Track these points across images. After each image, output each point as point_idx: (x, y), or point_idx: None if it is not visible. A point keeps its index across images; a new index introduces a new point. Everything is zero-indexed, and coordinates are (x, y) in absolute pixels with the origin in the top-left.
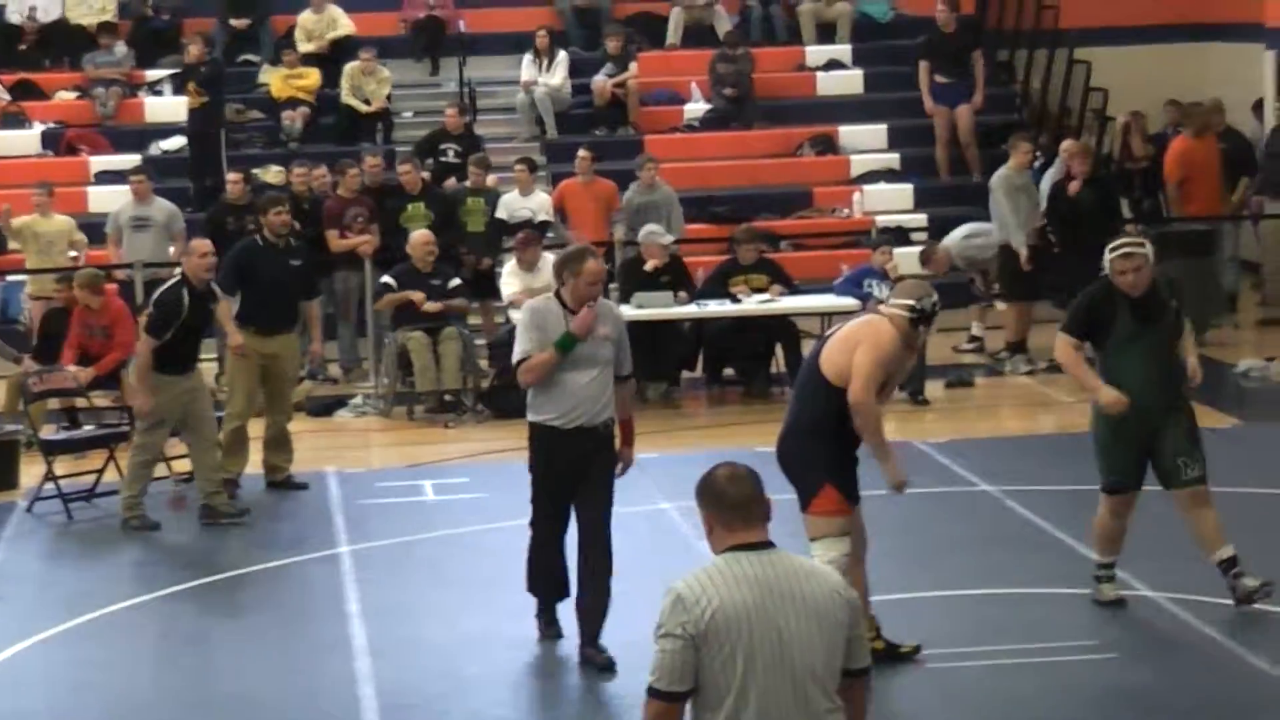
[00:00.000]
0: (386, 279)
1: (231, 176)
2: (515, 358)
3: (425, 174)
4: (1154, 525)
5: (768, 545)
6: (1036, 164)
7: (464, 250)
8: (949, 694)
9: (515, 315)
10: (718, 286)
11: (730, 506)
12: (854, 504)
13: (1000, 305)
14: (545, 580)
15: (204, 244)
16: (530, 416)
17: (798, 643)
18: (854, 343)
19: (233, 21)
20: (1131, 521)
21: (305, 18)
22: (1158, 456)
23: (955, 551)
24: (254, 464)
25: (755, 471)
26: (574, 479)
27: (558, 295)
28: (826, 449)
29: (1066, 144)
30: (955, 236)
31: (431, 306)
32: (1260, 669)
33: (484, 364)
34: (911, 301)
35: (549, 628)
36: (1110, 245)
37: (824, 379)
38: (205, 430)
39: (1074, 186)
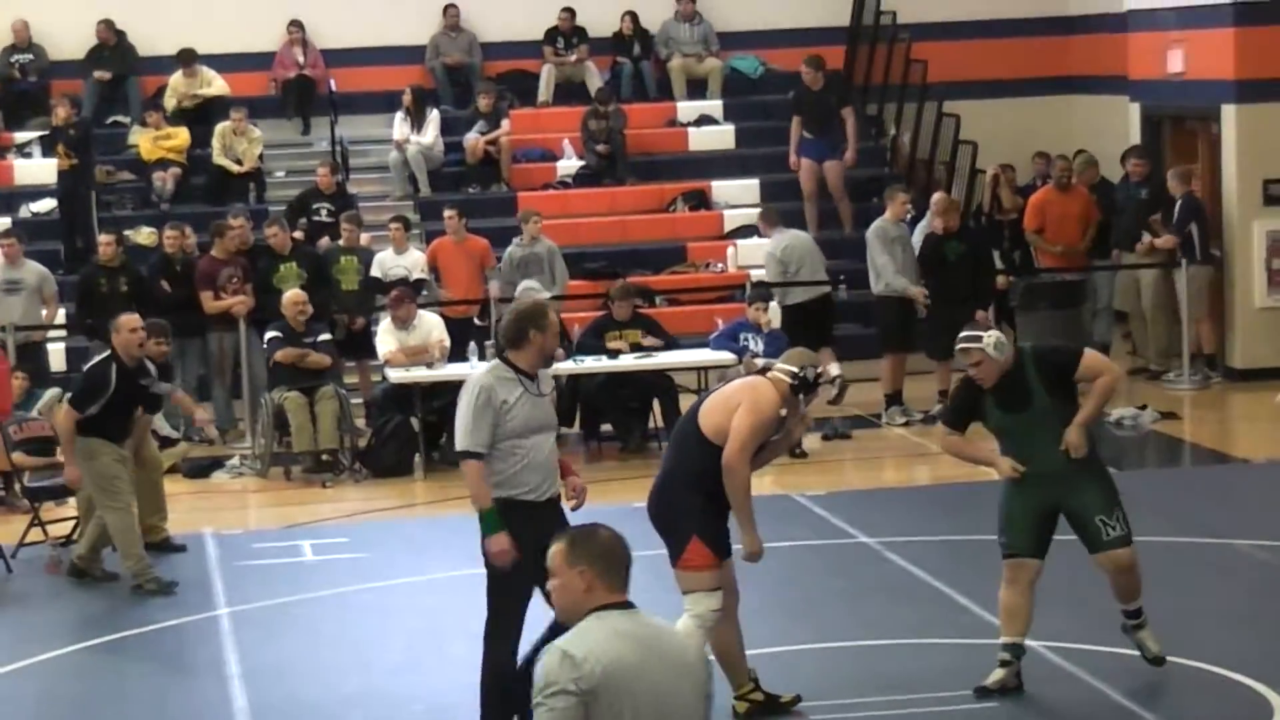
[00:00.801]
0: (274, 333)
1: (103, 238)
2: (463, 445)
3: (298, 234)
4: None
5: (631, 605)
6: (909, 216)
7: (335, 310)
8: None
9: (391, 374)
10: (594, 342)
11: (618, 566)
12: (724, 558)
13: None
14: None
15: (133, 319)
16: (493, 493)
17: (673, 702)
18: (734, 403)
19: (96, 74)
20: (1030, 600)
21: (176, 79)
22: (1075, 523)
23: (833, 603)
24: None
25: None
26: (544, 556)
27: (506, 361)
28: (698, 503)
29: (936, 198)
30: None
31: (319, 359)
32: (1133, 710)
33: (361, 423)
34: (794, 369)
35: None
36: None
37: (701, 434)
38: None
39: (938, 224)
